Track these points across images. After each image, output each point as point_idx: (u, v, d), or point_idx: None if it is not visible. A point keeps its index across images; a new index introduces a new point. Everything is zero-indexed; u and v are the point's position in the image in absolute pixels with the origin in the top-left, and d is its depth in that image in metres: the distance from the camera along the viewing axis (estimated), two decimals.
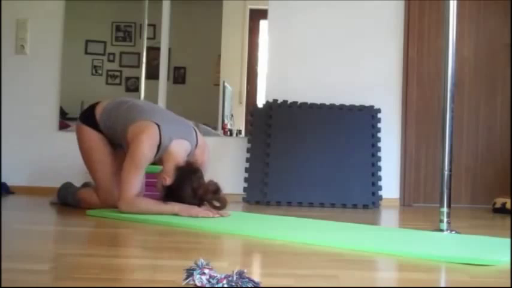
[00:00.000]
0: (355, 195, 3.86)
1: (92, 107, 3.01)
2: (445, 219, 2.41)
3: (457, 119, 3.97)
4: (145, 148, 2.67)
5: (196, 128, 2.97)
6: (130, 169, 2.67)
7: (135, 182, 2.67)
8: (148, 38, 4.11)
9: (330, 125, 3.98)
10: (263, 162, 3.91)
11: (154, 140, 2.70)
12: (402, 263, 1.70)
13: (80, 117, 3.05)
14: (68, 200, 3.16)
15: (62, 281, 1.32)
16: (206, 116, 4.09)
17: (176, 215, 2.62)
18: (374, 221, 3.09)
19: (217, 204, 2.73)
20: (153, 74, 4.09)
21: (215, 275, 1.26)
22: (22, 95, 4.10)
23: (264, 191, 3.84)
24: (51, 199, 3.29)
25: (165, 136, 2.73)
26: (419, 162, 4.16)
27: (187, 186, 2.69)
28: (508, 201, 3.58)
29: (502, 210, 3.60)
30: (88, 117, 2.98)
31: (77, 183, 4.03)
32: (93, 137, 2.96)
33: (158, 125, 2.73)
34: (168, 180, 2.71)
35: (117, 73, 4.11)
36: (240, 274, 1.24)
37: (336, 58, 4.15)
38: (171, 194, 2.71)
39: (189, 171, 2.71)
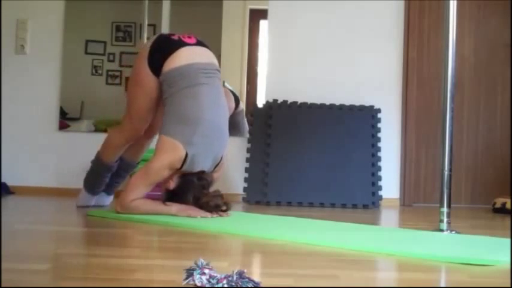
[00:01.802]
0: (355, 195, 3.86)
1: (165, 53, 2.73)
2: (445, 219, 2.41)
3: (457, 119, 3.97)
4: (163, 168, 2.62)
5: (225, 149, 2.83)
6: (142, 180, 2.64)
7: (139, 192, 2.65)
8: (148, 38, 4.11)
9: (330, 125, 3.98)
10: (263, 162, 3.91)
11: (175, 166, 2.63)
12: (402, 263, 1.70)
13: (149, 54, 2.75)
14: (93, 170, 3.07)
15: (62, 281, 1.32)
16: None
17: (174, 215, 2.62)
18: (374, 221, 3.09)
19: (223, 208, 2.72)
20: None
21: (215, 275, 1.26)
22: (22, 95, 4.10)
23: (264, 191, 3.84)
24: (77, 202, 3.15)
25: (187, 166, 2.65)
26: (419, 162, 4.16)
27: (190, 194, 2.68)
28: (508, 201, 3.58)
29: (502, 210, 3.60)
30: (155, 63, 2.74)
31: (77, 183, 4.04)
32: (148, 80, 2.77)
33: (186, 154, 2.62)
34: (172, 185, 2.70)
35: (117, 73, 4.11)
36: (240, 274, 1.24)
37: (336, 58, 4.15)
38: (173, 199, 2.71)
39: (193, 179, 2.69)
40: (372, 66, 4.14)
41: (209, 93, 2.71)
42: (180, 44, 2.75)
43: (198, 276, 1.25)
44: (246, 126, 3.92)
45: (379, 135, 4.02)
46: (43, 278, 1.33)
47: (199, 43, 2.82)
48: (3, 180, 3.90)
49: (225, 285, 1.22)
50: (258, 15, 4.20)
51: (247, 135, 3.99)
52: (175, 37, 2.79)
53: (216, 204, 2.66)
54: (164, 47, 2.76)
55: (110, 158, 3.03)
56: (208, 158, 2.72)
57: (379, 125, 4.03)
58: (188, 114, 2.66)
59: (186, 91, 2.68)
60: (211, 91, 2.73)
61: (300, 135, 3.95)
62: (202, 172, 2.71)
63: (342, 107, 4.03)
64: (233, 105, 3.07)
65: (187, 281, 1.26)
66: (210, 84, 2.73)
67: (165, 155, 2.62)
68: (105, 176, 3.08)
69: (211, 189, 2.77)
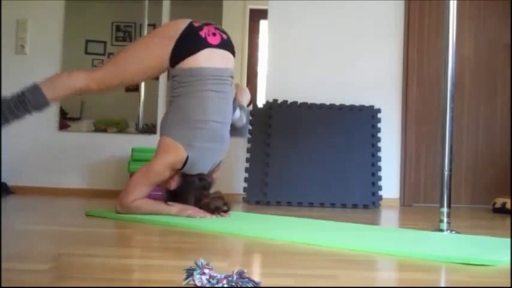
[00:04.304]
0: (355, 195, 3.85)
1: (188, 51, 2.69)
2: (445, 219, 2.40)
3: (457, 119, 3.97)
4: (165, 169, 2.63)
5: (226, 150, 2.83)
6: (142, 180, 2.64)
7: (140, 191, 2.65)
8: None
9: (330, 125, 3.98)
10: (263, 162, 3.91)
11: (176, 166, 2.65)
12: (402, 263, 1.70)
13: (177, 41, 2.71)
14: (20, 100, 2.67)
15: (62, 281, 1.32)
16: None
17: (175, 216, 2.62)
18: (374, 221, 3.09)
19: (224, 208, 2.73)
20: None
21: (215, 275, 1.26)
22: None
23: (264, 191, 3.84)
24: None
25: (187, 168, 2.66)
26: (419, 162, 4.16)
27: (190, 195, 2.69)
28: (508, 201, 3.58)
29: (502, 210, 3.60)
30: (177, 55, 2.70)
31: (77, 184, 4.04)
32: (162, 60, 2.71)
33: (187, 157, 2.63)
34: (173, 185, 2.70)
35: None
36: (240, 274, 1.24)
37: (336, 58, 4.15)
38: (174, 199, 2.71)
39: (194, 180, 2.70)
40: (372, 66, 4.14)
41: (216, 100, 2.71)
42: (204, 44, 2.72)
43: (198, 276, 1.25)
44: (247, 127, 3.93)
45: (379, 135, 4.02)
46: (43, 278, 1.33)
47: (222, 43, 2.78)
48: (3, 180, 3.90)
49: (225, 285, 1.22)
50: (258, 15, 4.20)
51: (247, 136, 4.00)
52: (203, 34, 2.73)
53: (216, 206, 2.67)
54: (190, 44, 2.72)
55: (53, 96, 2.71)
56: (208, 163, 2.74)
57: (379, 125, 4.03)
58: (192, 117, 2.66)
59: (194, 94, 2.68)
60: (219, 98, 2.72)
61: (300, 135, 3.95)
62: (202, 173, 2.72)
63: (342, 107, 4.03)
64: (247, 99, 3.05)
65: (187, 281, 1.26)
66: (219, 92, 2.72)
67: (167, 155, 2.63)
68: (28, 114, 2.71)
69: (212, 189, 2.78)
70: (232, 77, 2.83)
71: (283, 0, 4.15)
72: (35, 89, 2.69)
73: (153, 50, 2.74)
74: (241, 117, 3.14)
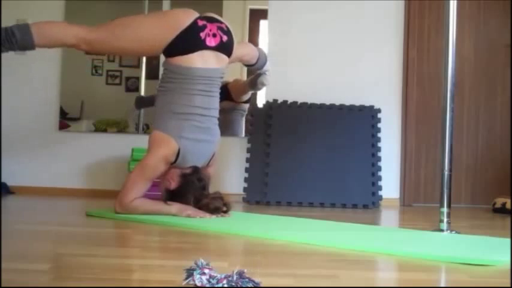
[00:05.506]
0: (355, 195, 3.85)
1: (184, 50, 2.76)
2: (445, 219, 2.41)
3: (457, 119, 3.97)
4: (159, 163, 2.67)
5: (217, 144, 2.90)
6: (139, 177, 2.67)
7: (138, 189, 2.67)
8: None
9: (330, 125, 3.98)
10: (263, 162, 3.91)
11: (170, 159, 2.69)
12: (402, 263, 1.70)
13: (177, 36, 2.74)
14: (7, 35, 2.62)
15: (62, 281, 1.32)
16: None
17: (174, 215, 2.63)
18: (374, 221, 3.09)
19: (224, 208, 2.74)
20: (153, 74, 4.09)
21: (215, 275, 1.26)
22: (22, 95, 4.10)
23: (264, 191, 3.84)
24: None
25: (180, 160, 2.72)
26: (419, 162, 4.16)
27: (190, 195, 2.70)
28: (508, 201, 3.58)
29: (502, 210, 3.60)
30: (172, 49, 2.77)
31: (77, 184, 4.04)
32: (160, 42, 2.77)
33: (179, 148, 2.69)
34: (173, 185, 2.72)
35: (117, 73, 4.11)
36: (240, 274, 1.24)
37: (336, 58, 4.14)
38: (174, 199, 2.72)
39: (193, 180, 2.72)
40: (372, 66, 4.14)
41: (203, 98, 2.79)
42: (200, 46, 2.78)
43: (198, 276, 1.25)
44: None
45: (379, 135, 4.02)
46: (43, 278, 1.33)
47: (219, 46, 2.84)
48: (3, 180, 3.90)
49: (225, 285, 1.22)
50: (258, 15, 4.20)
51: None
52: (203, 35, 2.79)
53: (216, 207, 2.68)
54: (188, 43, 2.78)
55: (42, 43, 2.72)
56: (199, 155, 2.78)
57: (379, 125, 4.03)
58: (178, 110, 2.74)
59: (182, 92, 2.76)
60: (206, 97, 2.81)
61: (300, 135, 3.95)
62: (197, 169, 2.73)
63: (342, 107, 4.03)
64: (253, 56, 3.24)
65: (187, 281, 1.26)
66: (207, 91, 2.81)
67: (160, 149, 2.68)
68: (12, 51, 2.71)
69: (211, 189, 2.79)
70: (222, 77, 2.91)
71: (283, 0, 4.15)
72: (26, 31, 2.67)
73: (153, 33, 2.79)
74: (266, 76, 3.30)
